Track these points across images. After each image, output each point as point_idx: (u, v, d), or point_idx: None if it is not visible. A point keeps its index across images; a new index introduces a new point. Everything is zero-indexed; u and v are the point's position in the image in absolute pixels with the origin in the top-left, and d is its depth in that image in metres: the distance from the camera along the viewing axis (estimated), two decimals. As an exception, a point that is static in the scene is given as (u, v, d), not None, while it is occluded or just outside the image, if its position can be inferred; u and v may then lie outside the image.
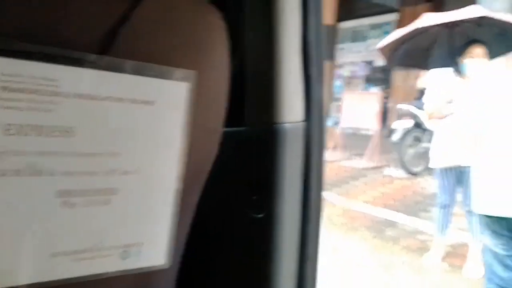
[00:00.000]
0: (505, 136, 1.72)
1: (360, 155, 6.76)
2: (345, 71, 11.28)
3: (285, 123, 0.59)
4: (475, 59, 2.87)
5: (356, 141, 7.69)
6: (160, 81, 0.48)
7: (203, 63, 0.51)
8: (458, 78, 2.98)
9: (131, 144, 0.48)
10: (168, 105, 0.49)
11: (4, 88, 0.39)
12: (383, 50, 3.35)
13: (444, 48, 3.25)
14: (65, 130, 0.43)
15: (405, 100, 9.32)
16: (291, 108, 0.60)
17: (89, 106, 0.44)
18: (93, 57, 0.43)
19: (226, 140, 0.57)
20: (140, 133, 0.48)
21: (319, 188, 0.62)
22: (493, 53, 2.90)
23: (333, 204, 4.57)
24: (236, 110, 0.61)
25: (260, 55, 0.60)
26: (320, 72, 0.61)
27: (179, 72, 0.49)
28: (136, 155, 0.49)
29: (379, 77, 10.64)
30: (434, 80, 3.78)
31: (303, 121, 0.61)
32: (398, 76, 9.56)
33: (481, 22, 2.88)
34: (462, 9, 2.90)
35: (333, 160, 6.81)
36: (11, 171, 0.41)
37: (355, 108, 6.68)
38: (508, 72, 1.87)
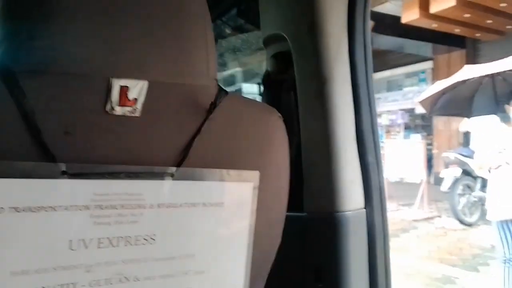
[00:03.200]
0: None
1: (408, 205, 6.51)
2: (383, 120, 11.19)
3: (345, 211, 0.60)
4: (522, 106, 2.79)
5: (402, 190, 7.43)
6: (228, 184, 0.52)
7: (266, 162, 0.54)
8: (505, 126, 2.89)
9: (203, 245, 0.51)
10: (236, 205, 0.53)
11: (97, 207, 0.44)
12: (423, 102, 3.34)
13: (488, 96, 3.20)
14: (148, 237, 0.47)
15: (448, 146, 9.05)
16: (351, 196, 0.61)
17: (168, 213, 0.48)
18: (171, 169, 0.48)
19: (288, 225, 0.59)
20: (211, 233, 0.51)
21: (387, 275, 0.61)
22: (540, 99, 2.82)
23: (384, 260, 4.35)
24: (295, 196, 0.64)
25: (317, 146, 0.63)
26: (378, 159, 0.63)
27: (244, 173, 0.53)
28: (209, 255, 0.52)
29: (419, 124, 10.47)
30: (480, 127, 3.68)
31: (363, 208, 0.62)
32: (439, 121, 9.36)
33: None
34: (503, 60, 2.87)
35: (380, 212, 6.57)
36: (102, 280, 0.45)
37: (398, 157, 6.53)
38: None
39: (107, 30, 0.43)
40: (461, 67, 5.20)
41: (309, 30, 0.61)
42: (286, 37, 0.63)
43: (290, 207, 0.61)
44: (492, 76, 3.09)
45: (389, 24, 7.90)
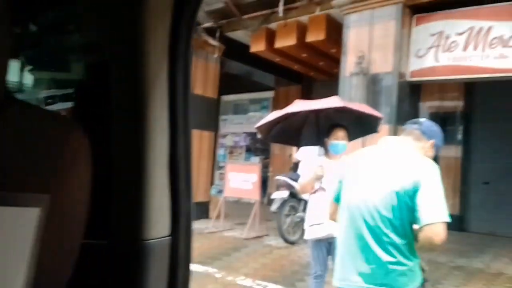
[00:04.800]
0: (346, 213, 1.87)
1: (243, 224, 6.86)
2: (228, 141, 11.73)
3: (150, 239, 0.57)
4: (338, 140, 3.24)
5: (239, 210, 7.83)
6: (3, 209, 0.44)
7: (61, 185, 0.48)
8: (324, 156, 3.31)
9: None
10: (12, 233, 0.45)
11: None
12: (260, 128, 3.59)
13: (312, 129, 3.62)
14: None
15: (282, 170, 9.96)
16: (157, 224, 0.59)
17: None
18: None
19: (87, 253, 0.54)
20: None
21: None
22: (352, 136, 3.32)
23: (215, 278, 4.46)
24: (99, 222, 0.58)
25: (127, 169, 0.59)
26: (188, 186, 0.62)
27: (29, 197, 0.46)
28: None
29: (259, 147, 11.29)
30: (306, 156, 4.15)
31: (169, 235, 0.60)
32: (276, 147, 10.28)
33: (341, 109, 3.31)
34: (325, 99, 3.31)
35: (216, 230, 6.77)
36: None
37: (237, 178, 6.88)
38: (365, 153, 2.11)
39: None
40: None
41: (128, 46, 0.58)
42: (104, 48, 0.59)
43: (91, 234, 0.56)
44: (317, 112, 3.51)
45: (239, 51, 8.40)
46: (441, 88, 8.77)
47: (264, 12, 6.94)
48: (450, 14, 5.43)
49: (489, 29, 5.15)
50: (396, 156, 1.82)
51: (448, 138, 8.61)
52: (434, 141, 1.91)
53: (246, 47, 8.00)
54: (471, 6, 5.28)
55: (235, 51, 8.52)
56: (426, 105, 9.02)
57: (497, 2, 5.13)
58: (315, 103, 3.31)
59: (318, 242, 3.16)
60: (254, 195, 6.64)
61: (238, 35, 8.10)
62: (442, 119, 8.84)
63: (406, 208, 1.68)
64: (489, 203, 8.25)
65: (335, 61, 7.40)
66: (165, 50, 0.59)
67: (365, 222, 1.76)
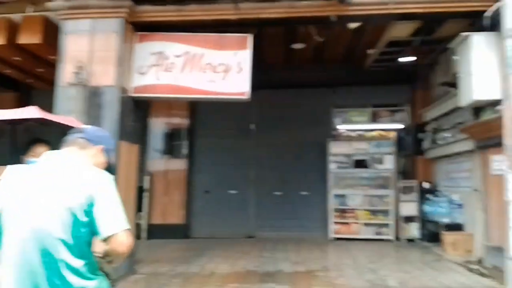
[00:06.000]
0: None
1: None
2: None
3: None
4: (37, 157, 2.86)
5: None
6: None
7: None
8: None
9: None
10: None
11: None
12: None
13: (8, 144, 3.08)
14: None
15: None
16: None
17: None
18: None
19: None
20: None
21: None
22: (58, 152, 2.98)
23: None
24: None
25: None
26: None
27: None
28: None
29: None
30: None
31: None
32: (-18, 165, 8.50)
33: (41, 121, 2.93)
34: (20, 109, 2.85)
35: None
36: None
37: None
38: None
39: None
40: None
41: None
42: None
43: None
44: (14, 124, 3.01)
45: None
46: (169, 105, 9.33)
47: (-44, -1, 5.63)
48: (169, 36, 5.79)
49: (202, 55, 5.76)
50: (62, 171, 1.63)
51: (175, 152, 9.31)
52: (103, 146, 1.85)
53: None
54: (186, 32, 5.78)
55: None
56: (156, 121, 9.40)
57: (208, 32, 5.82)
58: (6, 113, 2.80)
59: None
60: None
61: None
62: (171, 134, 9.43)
63: (82, 225, 1.54)
64: (209, 209, 9.28)
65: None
66: None
67: (40, 253, 1.51)
